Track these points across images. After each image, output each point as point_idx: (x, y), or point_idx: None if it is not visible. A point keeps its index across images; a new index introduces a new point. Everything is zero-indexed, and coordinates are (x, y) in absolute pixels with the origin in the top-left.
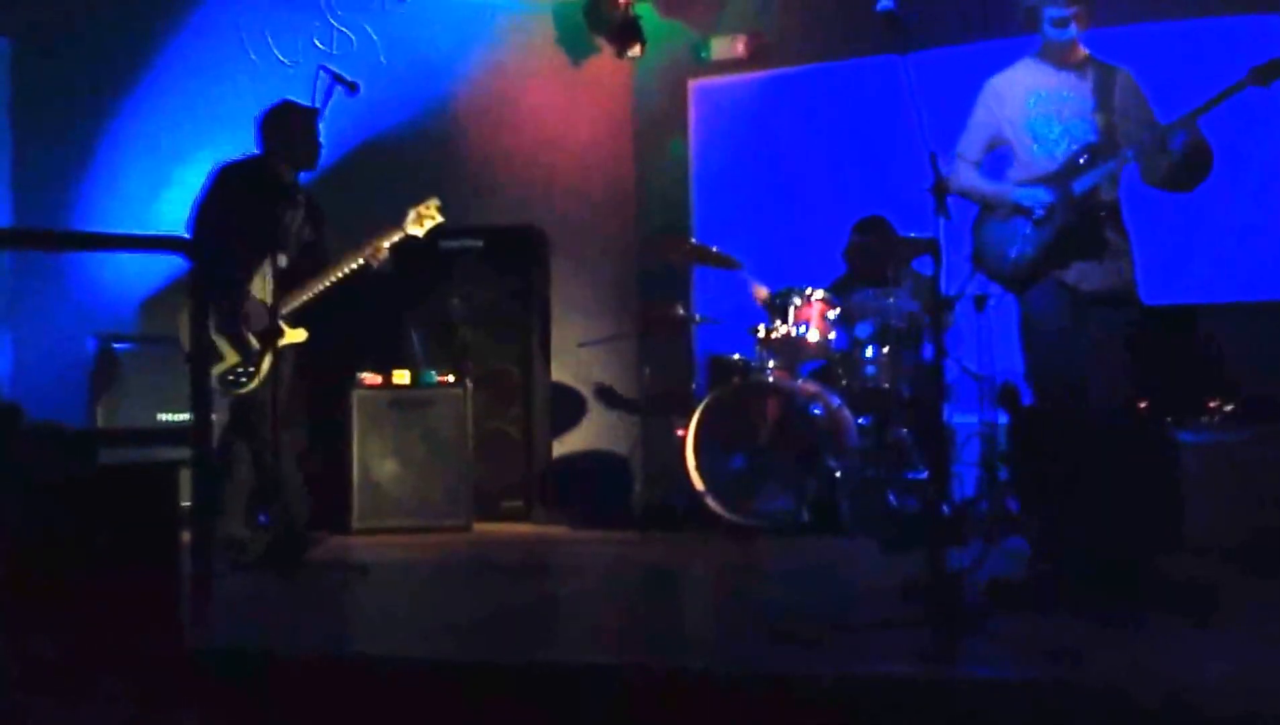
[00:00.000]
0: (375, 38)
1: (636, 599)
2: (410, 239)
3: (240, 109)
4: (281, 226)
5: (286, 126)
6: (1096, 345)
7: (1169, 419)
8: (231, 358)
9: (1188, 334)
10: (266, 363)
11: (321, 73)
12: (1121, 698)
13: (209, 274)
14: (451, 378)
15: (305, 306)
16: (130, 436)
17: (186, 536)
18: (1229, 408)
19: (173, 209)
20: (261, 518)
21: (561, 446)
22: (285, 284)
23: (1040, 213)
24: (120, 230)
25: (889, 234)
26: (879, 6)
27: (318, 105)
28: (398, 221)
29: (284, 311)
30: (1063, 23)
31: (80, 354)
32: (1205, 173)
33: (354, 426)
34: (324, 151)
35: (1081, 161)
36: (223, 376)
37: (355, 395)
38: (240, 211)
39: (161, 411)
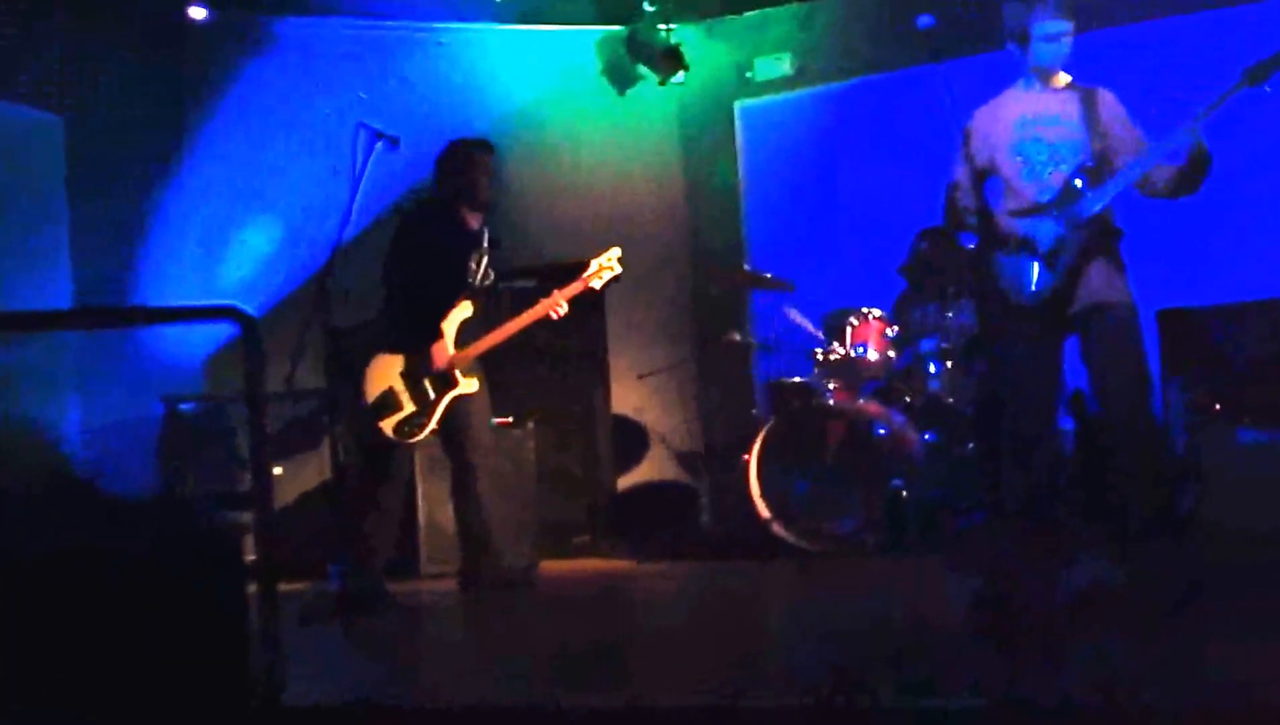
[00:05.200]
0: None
1: (700, 634)
2: (590, 292)
3: (288, 168)
4: (466, 272)
5: (463, 167)
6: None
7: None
8: (408, 408)
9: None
10: (438, 413)
11: (362, 131)
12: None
13: (404, 320)
14: (511, 419)
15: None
16: (196, 504)
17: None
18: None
19: (233, 271)
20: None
21: (627, 479)
22: (466, 333)
23: (1048, 246)
24: (179, 297)
25: (951, 243)
26: (920, 24)
27: (359, 165)
28: (576, 274)
29: (462, 362)
30: (1054, 39)
31: (148, 418)
32: (1206, 176)
33: (417, 472)
34: (355, 215)
35: (1078, 184)
36: (398, 426)
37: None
38: (428, 258)
39: (231, 468)
